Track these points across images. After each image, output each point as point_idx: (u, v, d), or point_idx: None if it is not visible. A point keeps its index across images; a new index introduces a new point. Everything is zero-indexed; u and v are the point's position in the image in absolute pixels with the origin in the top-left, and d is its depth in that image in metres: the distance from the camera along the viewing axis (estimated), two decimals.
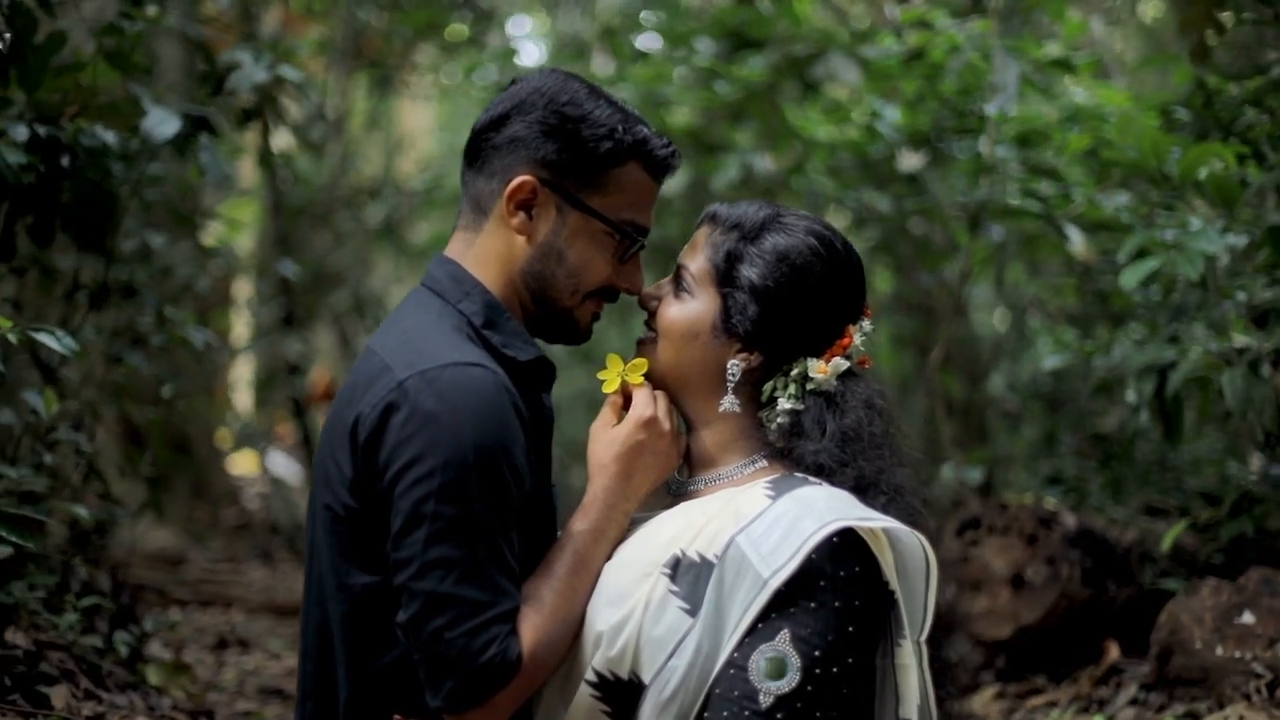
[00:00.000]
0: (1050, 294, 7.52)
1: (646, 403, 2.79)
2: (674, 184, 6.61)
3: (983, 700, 4.77)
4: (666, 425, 2.79)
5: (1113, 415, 6.12)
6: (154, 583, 7.06)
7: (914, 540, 2.61)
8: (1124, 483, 5.69)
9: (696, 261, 2.80)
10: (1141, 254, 4.45)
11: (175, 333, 5.26)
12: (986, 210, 5.67)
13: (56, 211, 4.49)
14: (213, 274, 10.20)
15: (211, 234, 11.14)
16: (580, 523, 2.72)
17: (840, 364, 2.75)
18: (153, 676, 4.77)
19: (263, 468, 11.44)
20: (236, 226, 12.69)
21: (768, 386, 2.76)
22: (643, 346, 2.85)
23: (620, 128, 2.77)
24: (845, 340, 2.77)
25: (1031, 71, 5.86)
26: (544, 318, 2.84)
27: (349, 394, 2.70)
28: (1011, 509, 4.97)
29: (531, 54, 14.06)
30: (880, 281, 8.16)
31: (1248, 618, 4.05)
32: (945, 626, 5.05)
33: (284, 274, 9.01)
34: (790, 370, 2.75)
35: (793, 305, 2.73)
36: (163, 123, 4.68)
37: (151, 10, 4.86)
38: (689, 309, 2.78)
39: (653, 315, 2.84)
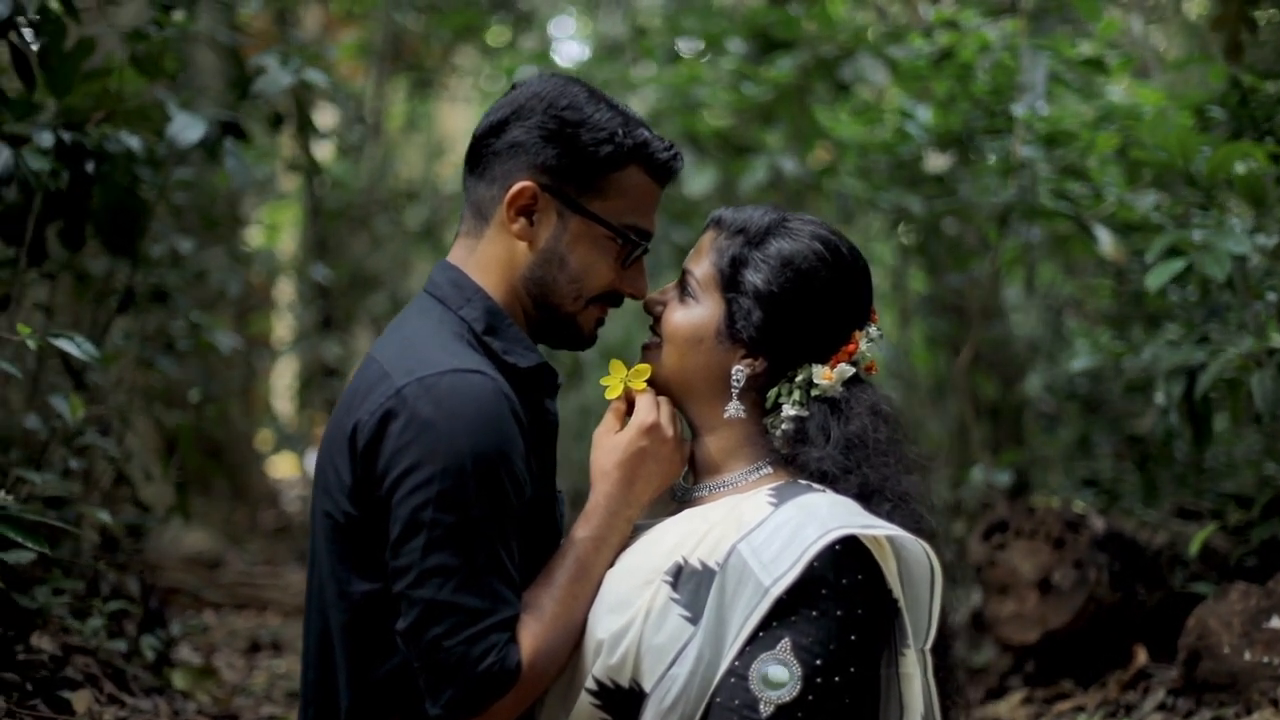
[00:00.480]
0: (1086, 295, 7.46)
1: (649, 409, 2.77)
2: (702, 186, 6.60)
3: (1010, 705, 4.74)
4: (669, 431, 2.77)
5: (1148, 417, 6.06)
6: (189, 586, 7.10)
7: (918, 548, 2.58)
8: (1159, 485, 5.64)
9: (701, 266, 2.78)
10: (1172, 254, 4.41)
11: (202, 337, 5.28)
12: (1015, 211, 5.62)
13: (86, 216, 4.52)
14: (253, 277, 10.27)
15: (251, 238, 11.20)
16: (582, 530, 2.70)
17: (846, 370, 2.72)
18: (179, 680, 4.79)
19: (302, 470, 11.47)
20: (276, 230, 12.77)
21: (772, 393, 2.73)
22: (648, 352, 2.83)
23: (620, 131, 2.75)
24: (851, 346, 2.74)
25: (1064, 71, 5.81)
26: (547, 323, 2.83)
27: (349, 401, 2.70)
28: (1039, 512, 4.92)
29: (573, 55, 14.03)
30: (914, 282, 8.10)
31: (1276, 622, 4.00)
32: (971, 631, 5.08)
33: (316, 278, 9.02)
34: (795, 376, 2.72)
35: (797, 311, 2.71)
36: (187, 128, 4.70)
37: (180, 16, 4.86)
38: (693, 314, 2.76)
39: (658, 320, 2.82)
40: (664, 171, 2.82)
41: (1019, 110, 5.44)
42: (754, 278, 2.71)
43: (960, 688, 2.79)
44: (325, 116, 12.35)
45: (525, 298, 2.80)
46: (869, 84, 6.74)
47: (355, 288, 10.07)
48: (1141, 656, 4.61)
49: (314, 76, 5.16)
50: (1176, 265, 4.32)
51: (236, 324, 9.88)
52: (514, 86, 2.85)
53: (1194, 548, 4.55)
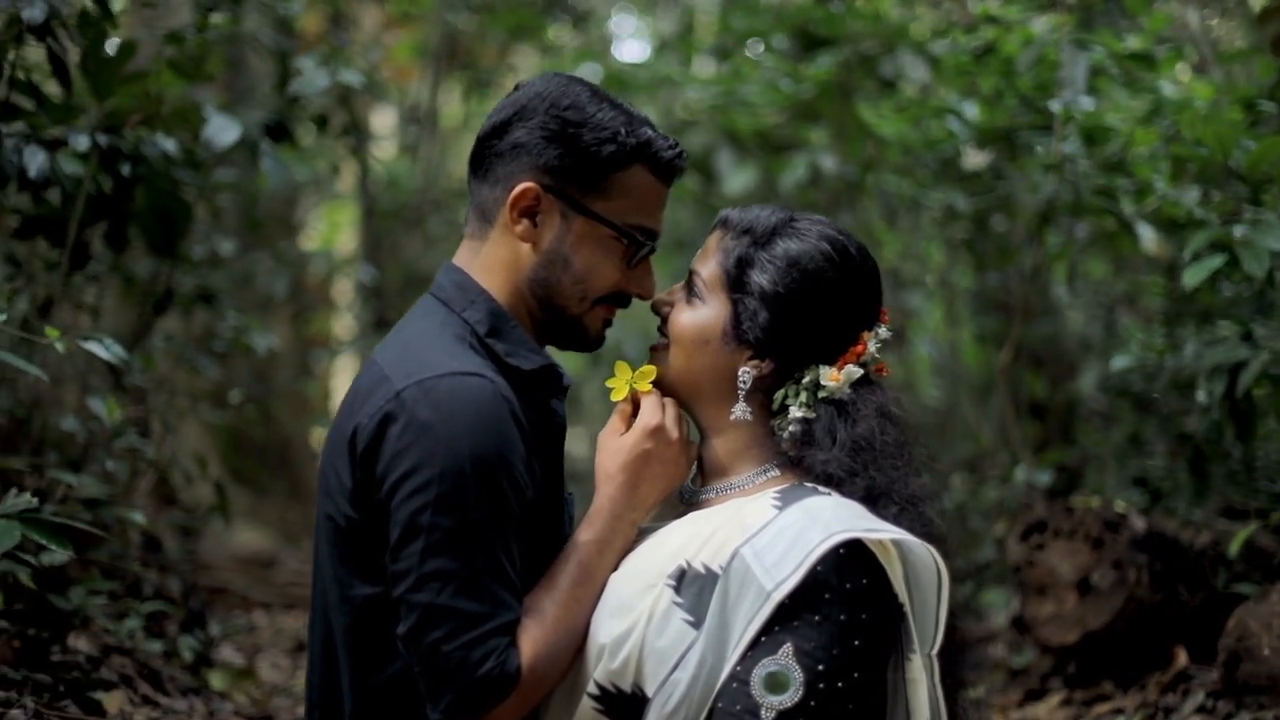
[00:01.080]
0: (1138, 291, 7.37)
1: (654, 410, 2.75)
2: (741, 185, 6.56)
3: (1049, 707, 4.69)
4: (675, 433, 2.74)
5: (1195, 415, 5.98)
6: (238, 586, 7.12)
7: (925, 552, 2.55)
8: (1211, 484, 5.55)
9: (708, 267, 2.75)
10: (1214, 250, 4.34)
11: (240, 339, 5.31)
12: (1057, 207, 5.56)
13: (128, 218, 4.55)
14: (310, 278, 10.31)
15: (308, 239, 11.25)
16: (585, 533, 2.68)
17: (853, 372, 2.68)
18: (216, 681, 4.81)
19: None
20: (335, 230, 12.82)
21: (779, 394, 2.70)
22: (655, 353, 2.81)
23: (623, 130, 2.72)
24: (859, 347, 2.70)
25: (1111, 66, 5.73)
26: (553, 325, 2.81)
27: (350, 404, 2.69)
28: (1078, 512, 4.87)
29: (632, 53, 14.01)
30: (963, 279, 8.04)
31: None
32: (1012, 631, 5.03)
33: (362, 279, 9.05)
34: (802, 378, 2.69)
35: (804, 311, 2.68)
36: (223, 130, 4.73)
37: (221, 18, 4.88)
38: (700, 315, 2.73)
39: (665, 321, 2.80)
40: (668, 170, 2.79)
41: (1056, 106, 5.38)
42: (760, 278, 2.68)
43: (967, 691, 2.75)
44: (384, 118, 12.41)
45: (530, 299, 2.78)
46: (911, 81, 6.68)
47: (409, 287, 10.07)
48: (1182, 658, 4.55)
49: (350, 78, 5.18)
50: (1215, 262, 4.25)
51: (292, 325, 9.93)
52: (517, 87, 2.83)
53: (1234, 547, 4.47)
